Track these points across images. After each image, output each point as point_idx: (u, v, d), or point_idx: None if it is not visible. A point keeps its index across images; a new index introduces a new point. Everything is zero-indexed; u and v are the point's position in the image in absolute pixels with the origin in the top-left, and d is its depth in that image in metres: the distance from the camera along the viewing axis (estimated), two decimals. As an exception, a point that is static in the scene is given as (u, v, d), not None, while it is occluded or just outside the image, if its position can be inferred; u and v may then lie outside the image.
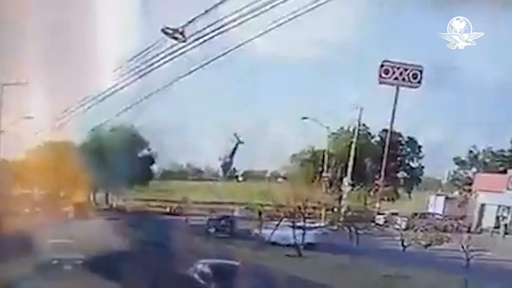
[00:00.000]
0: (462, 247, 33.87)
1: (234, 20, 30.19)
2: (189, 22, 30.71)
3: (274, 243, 41.33)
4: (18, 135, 36.30)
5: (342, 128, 54.68)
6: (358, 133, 52.50)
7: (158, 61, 31.54)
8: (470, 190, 51.22)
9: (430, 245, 37.11)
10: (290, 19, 31.10)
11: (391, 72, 51.30)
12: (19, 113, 35.26)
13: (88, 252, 32.40)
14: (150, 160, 44.01)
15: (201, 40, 30.73)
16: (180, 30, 30.55)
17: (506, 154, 54.06)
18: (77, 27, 31.62)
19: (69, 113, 33.40)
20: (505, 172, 50.29)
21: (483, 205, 49.56)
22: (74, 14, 30.42)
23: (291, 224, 41.15)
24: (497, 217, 48.94)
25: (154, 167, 44.87)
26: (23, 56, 31.05)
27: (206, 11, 29.93)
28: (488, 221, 48.91)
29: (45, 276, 29.71)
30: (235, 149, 46.52)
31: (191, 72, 31.74)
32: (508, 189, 47.38)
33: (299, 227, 41.11)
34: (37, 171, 38.30)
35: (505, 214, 48.59)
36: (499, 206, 48.77)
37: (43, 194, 41.29)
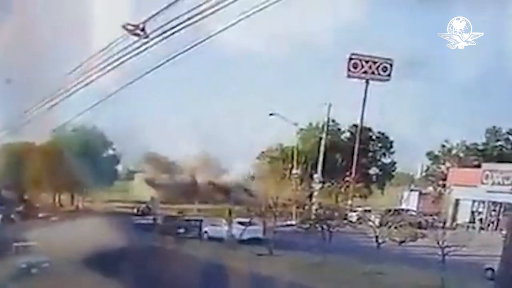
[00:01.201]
0: (438, 243, 33.84)
1: (199, 13, 29.44)
2: (150, 17, 29.91)
3: (243, 241, 41.43)
4: None
5: (310, 124, 54.43)
6: (328, 129, 52.29)
7: (120, 58, 30.84)
8: (444, 185, 51.29)
9: (404, 241, 36.93)
10: (256, 12, 30.37)
11: (359, 65, 51.10)
12: None
13: (55, 255, 31.92)
14: (115, 160, 43.65)
15: (164, 36, 29.97)
16: (141, 26, 29.73)
17: (480, 147, 54.34)
18: (35, 25, 30.85)
19: (29, 113, 32.71)
20: (479, 166, 50.45)
21: (457, 200, 49.62)
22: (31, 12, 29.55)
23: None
24: (472, 212, 49.12)
25: (119, 167, 44.57)
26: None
27: (168, 6, 29.14)
28: (463, 216, 49.06)
29: (13, 280, 29.33)
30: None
31: (154, 68, 31.06)
32: (482, 183, 47.56)
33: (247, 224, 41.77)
34: None
35: (480, 209, 48.77)
36: (474, 201, 48.87)
37: (5, 197, 41.03)
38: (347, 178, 46.86)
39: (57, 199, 44.34)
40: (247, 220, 43.12)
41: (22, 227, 37.45)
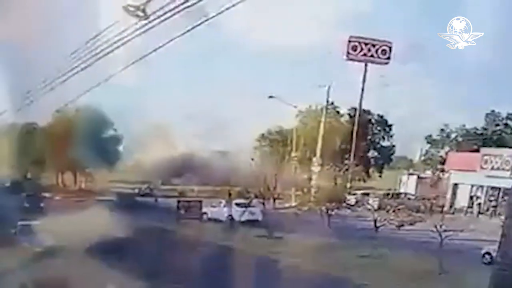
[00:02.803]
0: (436, 227, 34.40)
1: None
2: (150, -1, 30.54)
3: (243, 223, 42.00)
4: None
5: (310, 107, 54.78)
6: (326, 112, 52.64)
7: (120, 39, 31.45)
8: (442, 170, 51.75)
9: (403, 225, 37.36)
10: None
11: (359, 48, 51.44)
12: None
13: (58, 234, 32.69)
14: (117, 140, 44.17)
15: (164, 17, 30.55)
16: (142, 7, 30.31)
17: (479, 132, 54.62)
18: (38, 7, 31.41)
19: (32, 94, 33.46)
20: (478, 150, 50.75)
21: (456, 184, 49.96)
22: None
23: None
24: (471, 197, 49.41)
25: (121, 148, 45.07)
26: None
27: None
28: (462, 201, 49.40)
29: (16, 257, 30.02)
30: None
31: (154, 50, 31.64)
32: (481, 168, 47.87)
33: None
34: (1, 152, 38.68)
35: (478, 194, 49.07)
36: (472, 186, 49.18)
37: (11, 176, 41.74)
38: (346, 161, 47.60)
39: (60, 180, 45.02)
40: (245, 201, 43.85)
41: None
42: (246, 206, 43.39)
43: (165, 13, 30.33)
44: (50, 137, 39.59)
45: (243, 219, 42.70)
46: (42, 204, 39.34)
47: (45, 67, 33.05)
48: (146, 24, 30.70)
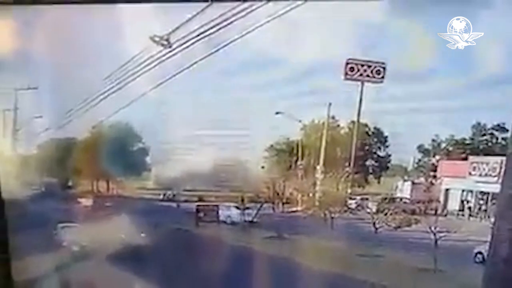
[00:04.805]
0: (430, 228, 35.51)
1: (214, 26, 31.65)
2: (174, 30, 32.23)
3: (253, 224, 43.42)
4: (31, 133, 38.51)
5: (313, 121, 55.66)
6: (328, 125, 53.54)
7: (148, 65, 33.41)
8: (435, 176, 52.39)
9: (400, 227, 38.54)
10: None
11: (356, 69, 52.27)
12: (31, 113, 37.32)
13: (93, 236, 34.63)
14: (144, 152, 45.37)
15: (185, 45, 32.35)
16: (166, 37, 32.09)
17: (467, 141, 55.33)
18: (76, 39, 33.13)
19: (72, 113, 35.52)
20: (466, 159, 51.53)
21: (447, 189, 50.41)
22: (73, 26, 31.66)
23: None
24: (462, 201, 50.01)
25: (148, 159, 46.19)
26: (33, 64, 33.05)
27: (188, 20, 31.35)
28: (453, 205, 50.04)
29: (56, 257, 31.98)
30: None
31: (177, 74, 33.36)
32: (470, 174, 48.61)
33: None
34: (47, 163, 41.16)
35: (468, 198, 49.65)
36: (463, 191, 49.69)
37: (53, 183, 43.75)
38: (346, 169, 48.49)
39: (95, 187, 46.45)
40: (242, 206, 44.73)
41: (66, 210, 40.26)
42: (244, 208, 44.48)
43: (186, 41, 32.09)
44: (87, 150, 41.32)
45: (239, 220, 44.16)
46: (80, 208, 40.97)
47: (83, 90, 34.92)
48: (170, 51, 32.54)
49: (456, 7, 31.58)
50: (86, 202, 42.31)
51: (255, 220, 43.64)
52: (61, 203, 40.22)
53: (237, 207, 44.90)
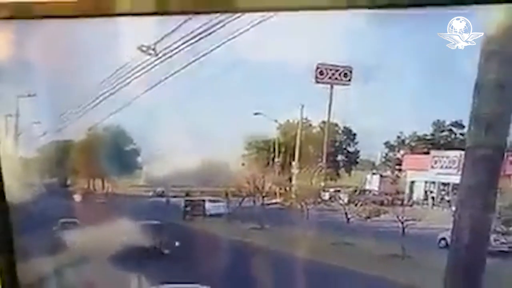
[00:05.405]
0: (397, 217, 37.71)
1: (198, 34, 33.35)
2: (160, 39, 33.90)
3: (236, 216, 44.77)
4: (31, 137, 39.84)
5: (288, 121, 57.35)
6: (302, 125, 55.23)
7: (138, 71, 35.29)
8: (400, 170, 54.35)
9: (369, 217, 40.88)
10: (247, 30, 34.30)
11: (325, 73, 53.95)
12: (30, 119, 38.78)
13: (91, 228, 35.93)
14: (136, 153, 46.97)
15: (171, 53, 34.18)
16: (152, 47, 33.84)
17: (429, 137, 57.34)
18: (71, 48, 34.79)
19: (69, 116, 37.29)
20: (428, 153, 53.59)
21: (412, 182, 52.27)
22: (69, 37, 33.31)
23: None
24: (425, 192, 52.02)
25: (139, 159, 47.74)
26: (32, 71, 34.46)
27: (173, 30, 33.05)
28: (418, 195, 52.03)
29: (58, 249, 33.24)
30: None
31: (163, 80, 35.14)
32: (432, 167, 50.63)
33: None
34: (46, 164, 42.24)
35: (431, 189, 51.61)
36: (426, 182, 51.55)
37: (53, 182, 45.20)
38: (319, 164, 50.34)
39: (91, 185, 47.98)
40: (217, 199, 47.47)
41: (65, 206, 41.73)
42: (227, 202, 46.61)
43: (172, 50, 34.14)
44: (83, 151, 42.73)
45: (213, 212, 46.27)
46: (78, 205, 42.71)
47: (79, 95, 36.71)
48: (157, 59, 34.60)
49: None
50: (84, 199, 44.15)
51: (237, 212, 45.70)
52: (61, 201, 41.98)
53: (221, 201, 47.47)
